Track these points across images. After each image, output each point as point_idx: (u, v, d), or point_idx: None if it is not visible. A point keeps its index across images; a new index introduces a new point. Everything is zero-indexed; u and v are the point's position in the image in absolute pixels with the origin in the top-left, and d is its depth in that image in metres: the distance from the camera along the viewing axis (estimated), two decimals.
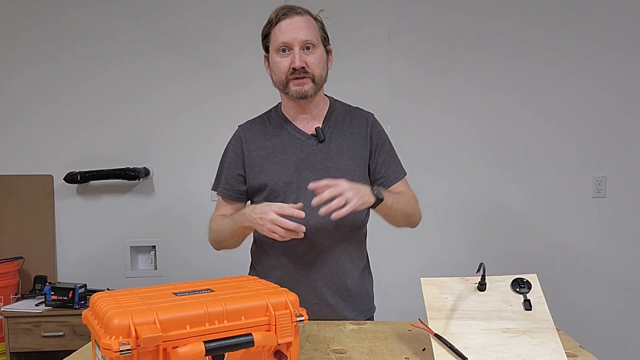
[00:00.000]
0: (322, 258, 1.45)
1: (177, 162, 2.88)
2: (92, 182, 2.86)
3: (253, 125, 1.53)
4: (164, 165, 2.89)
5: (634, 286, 2.82)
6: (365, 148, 1.48)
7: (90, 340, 1.03)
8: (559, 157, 2.82)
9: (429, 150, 2.83)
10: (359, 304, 1.53)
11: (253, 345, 0.88)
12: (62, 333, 2.49)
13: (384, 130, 1.54)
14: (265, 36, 1.44)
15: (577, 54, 2.79)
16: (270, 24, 1.41)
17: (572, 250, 2.83)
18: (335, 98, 1.56)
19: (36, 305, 2.55)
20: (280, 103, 1.54)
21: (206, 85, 2.86)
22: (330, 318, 1.45)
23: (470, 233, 2.85)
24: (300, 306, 0.97)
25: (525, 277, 1.16)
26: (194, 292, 0.97)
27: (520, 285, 1.14)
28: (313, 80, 1.40)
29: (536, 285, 1.15)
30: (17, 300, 2.69)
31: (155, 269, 2.92)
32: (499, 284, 1.15)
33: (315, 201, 1.22)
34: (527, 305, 1.11)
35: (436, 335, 1.06)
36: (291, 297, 0.96)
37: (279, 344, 0.92)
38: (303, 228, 1.26)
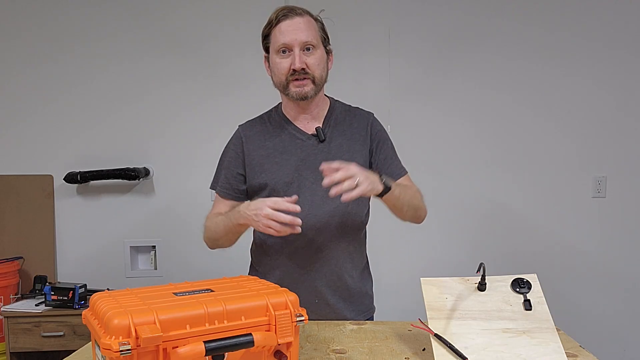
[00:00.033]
0: (322, 258, 1.45)
1: (177, 162, 2.88)
2: (92, 182, 2.86)
3: (253, 125, 1.53)
4: (164, 165, 2.89)
5: (634, 286, 2.82)
6: (365, 147, 1.48)
7: (90, 340, 1.03)
8: (559, 157, 2.82)
9: (429, 150, 2.83)
10: (358, 304, 1.53)
11: (253, 345, 0.88)
12: (62, 333, 2.49)
13: (384, 129, 1.54)
14: (265, 37, 1.44)
15: (577, 54, 2.79)
16: (270, 25, 1.41)
17: (572, 250, 2.83)
18: (335, 98, 1.56)
19: (36, 305, 2.55)
20: (280, 103, 1.54)
21: (206, 85, 2.86)
22: (330, 318, 1.45)
23: (470, 233, 2.85)
24: (300, 306, 0.97)
25: (525, 277, 1.16)
26: (194, 292, 0.97)
27: (520, 285, 1.14)
28: (313, 82, 1.40)
29: (536, 285, 1.15)
30: (17, 300, 2.69)
31: (155, 269, 2.92)
32: (499, 284, 1.15)
33: (326, 181, 1.21)
34: (527, 305, 1.11)
35: (436, 335, 1.06)
36: (291, 297, 0.96)
37: (279, 344, 0.92)
38: (299, 221, 1.25)
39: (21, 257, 2.82)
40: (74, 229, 2.90)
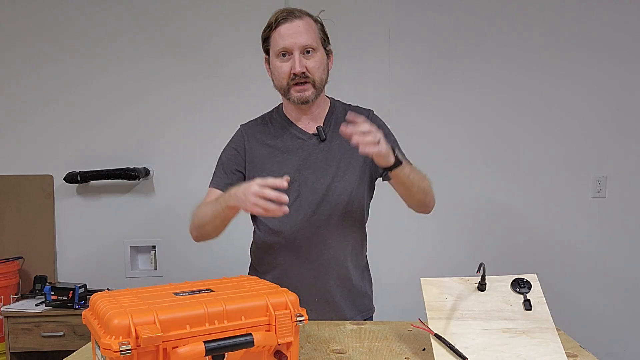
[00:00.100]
0: (322, 257, 1.45)
1: (177, 162, 2.88)
2: (92, 182, 2.86)
3: (255, 124, 1.54)
4: (164, 165, 2.89)
5: (634, 286, 2.82)
6: None
7: (90, 340, 1.03)
8: (559, 157, 2.82)
9: (429, 150, 2.83)
10: (359, 304, 1.54)
11: (253, 345, 0.88)
12: (62, 333, 2.49)
13: (384, 124, 1.53)
14: (265, 40, 1.44)
15: (577, 54, 2.79)
16: (270, 28, 1.41)
17: (572, 250, 2.83)
18: (335, 98, 1.57)
19: (36, 305, 2.55)
20: (281, 104, 1.54)
21: (206, 85, 2.86)
22: (330, 317, 1.45)
23: (470, 233, 2.85)
24: (300, 306, 0.97)
25: (525, 277, 1.16)
26: (194, 292, 0.97)
27: (520, 285, 1.14)
28: (314, 85, 1.40)
29: (536, 285, 1.15)
30: (17, 300, 2.69)
31: (155, 269, 2.92)
32: (499, 284, 1.15)
33: (349, 129, 1.19)
34: (527, 305, 1.11)
35: (436, 335, 1.06)
36: (291, 297, 0.96)
37: (279, 344, 0.92)
38: (285, 199, 1.20)
39: (21, 257, 2.82)
40: (74, 229, 2.90)
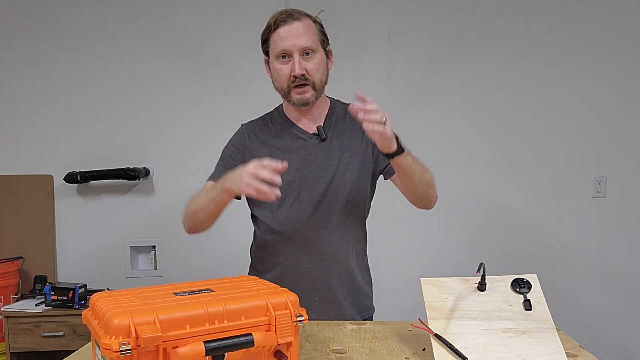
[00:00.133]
0: (323, 256, 1.46)
1: (177, 162, 2.88)
2: (92, 182, 2.86)
3: (256, 124, 1.55)
4: (164, 165, 2.89)
5: (634, 286, 2.82)
6: (365, 143, 1.48)
7: (90, 340, 1.03)
8: (559, 157, 2.82)
9: (428, 150, 2.81)
10: (359, 304, 1.54)
11: (253, 345, 0.88)
12: (62, 333, 2.49)
13: None
14: (265, 41, 1.44)
15: (577, 54, 2.79)
16: (269, 30, 1.41)
17: (572, 250, 2.83)
18: (335, 98, 1.57)
19: (36, 305, 2.55)
20: (281, 104, 1.55)
21: (206, 85, 2.86)
22: (331, 317, 1.45)
23: (470, 233, 2.85)
24: (300, 305, 0.97)
25: (525, 277, 1.16)
26: (194, 292, 0.97)
27: (520, 285, 1.14)
28: (314, 87, 1.41)
29: (536, 285, 1.15)
30: (17, 300, 2.69)
31: (155, 269, 2.92)
32: (499, 284, 1.15)
33: (356, 107, 1.18)
34: (527, 305, 1.11)
35: (436, 335, 1.06)
36: (291, 297, 0.96)
37: (279, 344, 0.92)
38: (278, 181, 1.18)
39: (21, 257, 2.82)
40: (74, 229, 2.90)
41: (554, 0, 2.78)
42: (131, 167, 2.81)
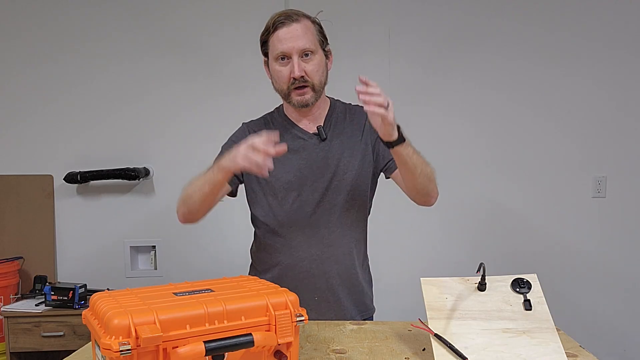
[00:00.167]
0: (323, 255, 1.46)
1: (177, 162, 2.88)
2: (92, 182, 2.86)
3: (257, 124, 1.55)
4: (164, 165, 2.89)
5: (634, 286, 2.82)
6: (364, 142, 1.49)
7: (90, 340, 1.03)
8: (559, 157, 2.82)
9: (428, 150, 2.78)
10: (359, 304, 1.54)
11: (253, 345, 0.88)
12: (62, 333, 2.49)
13: None
14: (264, 43, 1.44)
15: (577, 54, 2.79)
16: (268, 32, 1.41)
17: (572, 250, 2.83)
18: (335, 98, 1.57)
19: (36, 305, 2.55)
20: (282, 105, 1.55)
21: (206, 85, 2.86)
22: (331, 317, 1.45)
23: (470, 233, 2.85)
24: (300, 305, 0.97)
25: (525, 277, 1.16)
26: (194, 292, 0.97)
27: (520, 285, 1.14)
28: (313, 89, 1.41)
29: (536, 285, 1.15)
30: (17, 300, 2.69)
31: (155, 269, 2.92)
32: (499, 284, 1.15)
33: (359, 89, 1.20)
34: (527, 305, 1.11)
35: (436, 335, 1.06)
36: (291, 297, 0.96)
37: (279, 344, 0.92)
38: (271, 152, 1.19)
39: (21, 257, 2.82)
40: (74, 229, 2.90)
41: (554, 0, 2.78)
42: (131, 167, 2.81)
